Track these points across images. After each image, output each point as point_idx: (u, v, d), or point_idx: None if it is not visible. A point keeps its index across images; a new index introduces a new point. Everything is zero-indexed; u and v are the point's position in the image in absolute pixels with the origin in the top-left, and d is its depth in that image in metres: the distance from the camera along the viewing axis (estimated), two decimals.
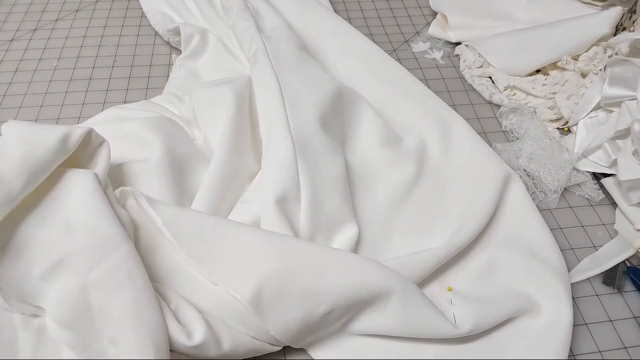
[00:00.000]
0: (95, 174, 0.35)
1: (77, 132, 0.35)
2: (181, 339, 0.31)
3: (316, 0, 0.68)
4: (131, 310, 0.30)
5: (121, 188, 0.38)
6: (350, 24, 0.64)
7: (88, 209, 0.33)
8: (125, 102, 0.56)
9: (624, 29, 0.57)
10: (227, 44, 0.60)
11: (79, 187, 0.34)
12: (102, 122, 0.46)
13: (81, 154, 0.37)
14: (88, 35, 0.65)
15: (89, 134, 0.37)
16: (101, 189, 0.34)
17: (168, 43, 0.64)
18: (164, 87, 0.58)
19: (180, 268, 0.35)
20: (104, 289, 0.30)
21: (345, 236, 0.42)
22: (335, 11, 0.69)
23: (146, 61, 0.62)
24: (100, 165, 0.37)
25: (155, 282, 0.34)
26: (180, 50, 0.62)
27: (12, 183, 0.31)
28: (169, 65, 0.61)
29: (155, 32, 0.65)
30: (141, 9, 0.68)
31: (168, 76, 0.59)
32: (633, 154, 0.46)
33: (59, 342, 0.31)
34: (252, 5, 0.64)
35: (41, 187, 0.33)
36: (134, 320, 0.30)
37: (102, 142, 0.38)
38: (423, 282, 0.41)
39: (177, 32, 0.61)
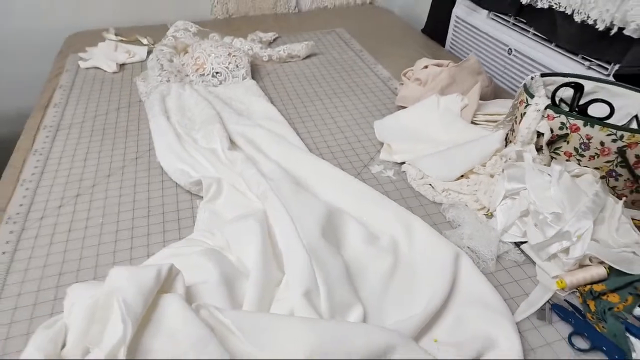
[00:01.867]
0: (180, 295, 0.51)
1: (165, 267, 0.52)
2: None
3: (293, 145, 0.91)
4: None
5: (195, 303, 0.53)
6: (322, 158, 0.88)
7: (183, 319, 0.48)
8: (164, 242, 0.73)
9: (510, 142, 0.83)
10: (237, 187, 0.80)
11: (173, 306, 0.49)
12: (163, 259, 0.63)
13: (166, 283, 0.53)
14: (122, 194, 0.83)
15: (171, 268, 0.53)
16: (187, 305, 0.50)
17: (189, 192, 0.83)
18: (192, 226, 0.75)
19: (248, 353, 0.50)
20: None
21: (354, 315, 0.58)
22: (309, 149, 0.92)
23: (174, 208, 0.80)
24: (180, 289, 0.53)
25: None
26: (199, 195, 0.81)
27: (136, 307, 0.46)
28: (192, 208, 0.80)
29: (176, 184, 0.85)
30: (161, 168, 0.88)
31: (193, 217, 0.77)
32: (535, 226, 0.68)
33: None
34: (249, 156, 0.86)
35: (147, 311, 0.48)
36: None
37: (178, 272, 0.54)
38: (416, 338, 0.57)
39: (196, 183, 0.80)
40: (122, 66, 1.30)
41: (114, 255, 0.70)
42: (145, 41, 1.41)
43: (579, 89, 0.74)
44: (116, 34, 1.44)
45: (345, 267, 0.63)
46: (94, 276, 0.67)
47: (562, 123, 0.70)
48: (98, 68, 1.29)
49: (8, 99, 1.57)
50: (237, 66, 1.20)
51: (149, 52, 1.35)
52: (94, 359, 0.44)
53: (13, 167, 0.90)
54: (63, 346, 0.49)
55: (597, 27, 0.83)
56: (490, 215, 0.74)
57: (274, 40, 1.47)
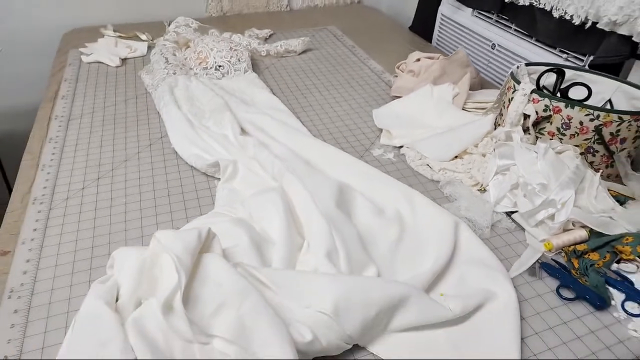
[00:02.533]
0: (219, 254, 0.57)
1: (204, 229, 0.58)
2: (299, 339, 0.51)
3: (299, 131, 0.98)
4: (270, 326, 0.50)
5: (232, 262, 0.59)
6: (325, 142, 0.95)
7: (226, 272, 0.54)
8: (187, 218, 0.78)
9: (499, 125, 0.91)
10: (251, 168, 0.86)
11: (215, 262, 0.55)
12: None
13: (204, 244, 0.59)
14: (142, 177, 0.88)
15: (209, 231, 0.59)
16: (228, 262, 0.56)
17: (204, 174, 0.88)
18: (211, 204, 0.81)
19: (282, 304, 0.56)
20: (251, 315, 0.51)
21: (369, 273, 0.65)
22: (313, 136, 0.99)
23: (192, 188, 0.85)
24: (217, 249, 0.59)
25: None
26: (215, 177, 0.87)
27: (186, 262, 0.52)
28: (210, 189, 0.85)
29: (192, 167, 0.90)
30: (175, 153, 0.94)
31: (212, 196, 0.83)
32: (524, 196, 0.76)
33: (227, 355, 0.50)
34: (261, 140, 0.92)
35: (194, 265, 0.54)
36: (273, 332, 0.50)
37: (214, 235, 0.60)
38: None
39: (213, 165, 0.86)
40: (124, 61, 1.34)
41: (141, 230, 0.75)
42: (144, 37, 1.45)
43: (561, 74, 0.83)
44: (114, 31, 1.48)
45: (358, 234, 0.70)
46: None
47: (546, 105, 0.79)
48: (100, 62, 1.32)
49: (7, 97, 1.58)
50: (238, 60, 1.26)
51: (149, 48, 1.39)
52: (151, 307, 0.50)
53: (31, 153, 0.94)
54: (117, 299, 0.54)
55: (573, 21, 0.93)
56: (483, 190, 0.83)
57: (270, 36, 1.53)
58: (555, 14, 0.97)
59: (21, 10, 1.48)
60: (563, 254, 0.71)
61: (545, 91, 0.85)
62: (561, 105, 0.77)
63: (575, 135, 0.78)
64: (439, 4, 1.46)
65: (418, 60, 1.11)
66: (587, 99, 0.81)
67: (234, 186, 0.83)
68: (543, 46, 1.09)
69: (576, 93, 0.81)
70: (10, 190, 0.84)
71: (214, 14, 1.70)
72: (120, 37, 1.46)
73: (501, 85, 1.22)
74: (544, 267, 0.68)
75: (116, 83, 1.23)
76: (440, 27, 1.47)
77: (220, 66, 1.23)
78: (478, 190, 0.83)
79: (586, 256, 0.68)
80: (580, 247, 0.69)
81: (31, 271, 0.67)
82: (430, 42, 1.53)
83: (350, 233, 0.69)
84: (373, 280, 0.60)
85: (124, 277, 0.56)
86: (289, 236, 0.66)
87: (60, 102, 1.13)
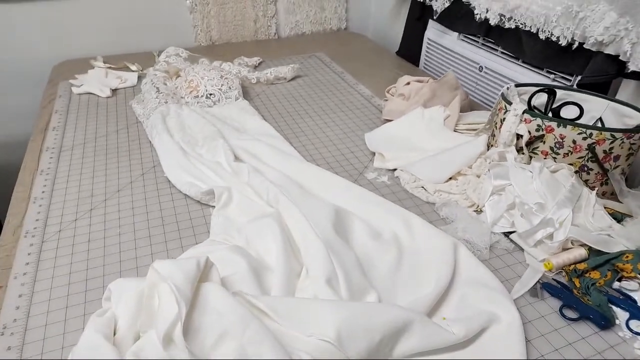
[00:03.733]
0: (218, 283, 0.56)
1: (203, 258, 0.57)
2: None
3: (292, 156, 0.98)
4: (273, 355, 0.49)
5: (231, 291, 0.58)
6: (318, 166, 0.95)
7: (226, 301, 0.53)
8: (182, 247, 0.77)
9: (491, 145, 0.92)
10: (246, 194, 0.85)
11: (215, 291, 0.54)
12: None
13: (202, 273, 0.57)
14: (135, 207, 0.87)
15: (207, 260, 0.58)
16: (227, 291, 0.55)
17: (199, 202, 0.87)
18: (206, 232, 0.79)
19: (283, 332, 0.55)
20: (253, 345, 0.49)
21: (370, 299, 0.64)
22: (306, 161, 0.99)
23: (186, 217, 0.84)
24: (215, 278, 0.57)
25: None
26: (209, 205, 0.86)
27: (186, 292, 0.51)
28: (205, 217, 0.84)
29: (185, 195, 0.89)
30: (168, 182, 0.93)
31: (206, 224, 0.82)
32: (521, 216, 0.76)
33: None
34: (254, 166, 0.92)
35: (193, 295, 0.53)
36: None
37: (212, 264, 0.59)
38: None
39: (207, 193, 0.85)
40: (114, 91, 1.34)
41: (136, 261, 0.74)
42: (134, 67, 1.46)
43: (552, 93, 0.84)
44: (104, 62, 1.49)
45: (357, 258, 0.70)
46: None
47: (539, 125, 0.80)
48: (91, 93, 1.32)
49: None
50: (229, 88, 1.26)
51: (140, 78, 1.40)
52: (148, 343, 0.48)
53: (22, 185, 0.93)
54: (114, 333, 0.52)
55: (560, 42, 0.95)
56: (479, 211, 0.83)
57: (259, 64, 1.55)
58: (542, 36, 1.00)
59: (11, 42, 1.49)
60: (564, 273, 0.70)
61: (536, 111, 0.86)
62: (553, 124, 0.78)
63: (569, 153, 0.79)
64: (425, 29, 1.50)
65: (408, 83, 1.13)
66: (579, 117, 0.82)
67: (229, 213, 0.82)
68: (530, 67, 1.12)
69: (567, 112, 0.82)
70: (1, 224, 0.82)
71: (203, 43, 1.72)
72: (110, 68, 1.46)
73: (490, 106, 1.24)
74: (546, 287, 0.68)
75: (107, 113, 1.22)
76: (427, 51, 1.51)
77: (211, 94, 1.23)
78: (474, 211, 0.83)
79: (587, 275, 0.68)
80: (580, 266, 0.68)
81: (24, 306, 0.65)
82: (418, 65, 1.56)
83: (349, 257, 0.68)
84: (375, 305, 0.59)
85: (121, 310, 0.54)
86: (287, 262, 0.65)
87: (51, 134, 1.12)
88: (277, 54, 1.65)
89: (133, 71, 1.45)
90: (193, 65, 1.34)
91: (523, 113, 0.81)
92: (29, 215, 0.84)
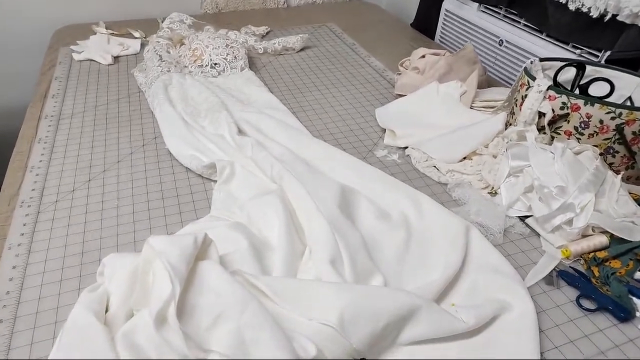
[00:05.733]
0: (216, 261, 0.53)
1: (200, 235, 0.53)
2: (303, 354, 0.47)
3: (299, 130, 0.94)
4: (272, 339, 0.46)
5: (229, 270, 0.55)
6: (326, 142, 0.90)
7: (224, 281, 0.50)
8: (182, 222, 0.74)
9: (510, 124, 0.87)
10: (249, 169, 0.82)
11: (212, 270, 0.51)
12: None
13: (200, 250, 0.54)
14: (134, 179, 0.83)
15: (205, 236, 0.55)
16: (225, 270, 0.52)
17: (200, 176, 0.84)
18: (207, 207, 0.76)
19: (283, 315, 0.52)
20: (252, 328, 0.46)
21: (375, 282, 0.61)
22: (314, 137, 0.94)
23: (187, 191, 0.81)
24: (214, 256, 0.54)
25: None
26: (211, 179, 0.83)
27: (181, 270, 0.48)
28: (206, 191, 0.81)
29: (187, 168, 0.86)
30: (169, 154, 0.89)
31: (207, 199, 0.79)
32: (539, 200, 0.72)
33: None
34: (259, 141, 0.88)
35: (189, 273, 0.50)
36: (275, 345, 0.46)
37: (211, 241, 0.56)
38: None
39: (210, 166, 0.82)
40: (116, 58, 1.30)
41: (134, 235, 0.71)
42: (137, 34, 1.41)
43: (581, 68, 0.78)
44: (106, 28, 1.43)
45: (362, 239, 0.66)
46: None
47: (564, 103, 0.75)
48: (92, 60, 1.28)
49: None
50: (235, 57, 1.21)
51: (143, 45, 1.35)
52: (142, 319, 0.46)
53: (20, 153, 0.90)
54: (107, 310, 0.50)
55: (591, 14, 0.88)
56: (494, 193, 0.78)
57: (267, 33, 1.49)
58: (572, 7, 0.92)
59: (10, 6, 1.43)
60: (582, 261, 0.66)
61: (562, 88, 0.81)
62: (580, 102, 0.73)
63: (594, 134, 0.74)
64: (442, 0, 1.42)
65: (423, 57, 1.07)
66: (608, 95, 0.76)
67: (231, 188, 0.78)
68: (554, 41, 1.05)
69: (596, 90, 0.77)
70: None
71: (209, 10, 1.66)
72: (112, 34, 1.41)
73: (509, 84, 1.18)
74: (562, 275, 0.64)
75: (108, 81, 1.18)
76: (444, 24, 1.43)
77: (216, 64, 1.18)
78: (489, 193, 0.79)
79: (607, 264, 0.64)
80: (600, 254, 0.64)
81: (18, 278, 0.63)
82: (433, 39, 1.49)
83: (355, 239, 0.64)
84: (381, 289, 0.56)
85: (114, 286, 0.52)
86: (289, 242, 0.62)
87: (50, 101, 1.08)
88: (286, 24, 1.58)
89: (136, 38, 1.40)
90: (197, 33, 1.28)
91: (547, 89, 0.75)
92: (25, 184, 0.81)
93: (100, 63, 1.27)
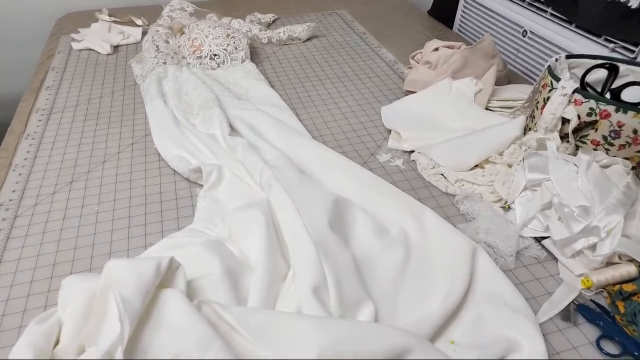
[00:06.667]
0: (181, 290, 0.47)
1: (165, 260, 0.48)
2: None
3: (296, 131, 0.87)
4: None
5: (197, 299, 0.49)
6: (326, 145, 0.83)
7: (186, 316, 0.44)
8: (162, 232, 0.68)
9: (529, 129, 0.78)
10: (238, 174, 0.76)
11: (174, 302, 0.45)
12: (162, 251, 0.58)
13: (165, 276, 0.48)
14: (119, 181, 0.78)
15: (171, 261, 0.49)
16: (189, 301, 0.46)
17: (187, 179, 0.78)
18: (191, 215, 0.71)
19: (253, 354, 0.46)
20: None
21: (365, 313, 0.54)
22: (312, 137, 0.87)
23: (172, 196, 0.75)
24: (180, 284, 0.48)
25: None
26: (198, 183, 0.77)
27: (134, 303, 0.42)
28: (191, 197, 0.75)
29: (174, 171, 0.80)
30: (158, 154, 0.84)
31: (192, 206, 0.73)
32: (559, 220, 0.64)
33: None
34: (251, 142, 0.81)
35: (146, 306, 0.44)
36: None
37: (178, 266, 0.50)
38: (431, 340, 0.53)
39: (196, 170, 0.76)
40: (116, 48, 1.24)
41: (110, 245, 0.66)
42: (139, 22, 1.35)
43: (613, 70, 0.68)
44: (109, 15, 1.38)
45: (354, 260, 0.59)
46: (90, 267, 0.63)
47: (591, 109, 0.65)
48: (91, 50, 1.23)
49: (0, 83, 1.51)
50: (235, 48, 1.14)
51: (144, 34, 1.29)
52: (89, 359, 0.40)
53: (5, 150, 0.86)
54: (57, 342, 0.45)
55: (629, 4, 0.77)
56: (507, 208, 0.70)
57: (273, 21, 1.41)
58: None
59: None
60: (606, 294, 0.58)
61: (591, 91, 0.71)
62: (611, 109, 0.63)
63: (627, 145, 0.64)
64: None
65: (436, 49, 0.98)
66: None
67: (218, 195, 0.72)
68: (584, 34, 0.94)
69: (630, 94, 0.67)
70: None
71: None
72: (115, 21, 1.36)
73: (533, 79, 1.07)
74: (581, 310, 0.56)
75: (105, 73, 1.13)
76: (464, 11, 1.32)
77: (215, 55, 1.11)
78: (501, 207, 0.70)
79: (635, 298, 0.56)
80: (627, 287, 0.56)
81: None
82: (452, 28, 1.38)
83: (345, 260, 0.58)
84: (368, 327, 0.49)
85: (68, 315, 0.46)
86: (269, 264, 0.56)
87: (44, 94, 1.04)
88: (295, 10, 1.50)
89: (138, 26, 1.34)
90: (198, 22, 1.21)
91: (573, 93, 0.66)
92: (6, 185, 0.77)
93: (99, 53, 1.22)
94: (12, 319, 0.56)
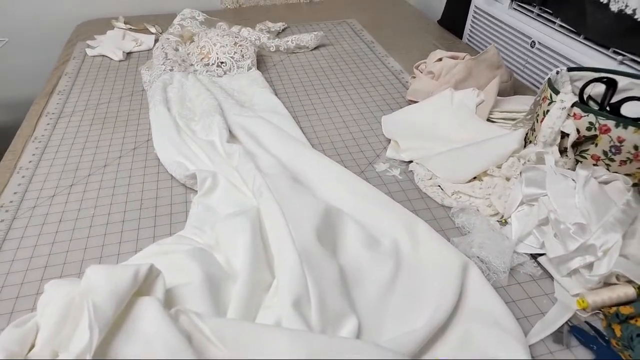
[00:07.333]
0: (158, 299, 0.47)
1: (144, 268, 0.48)
2: None
3: (295, 139, 0.86)
4: None
5: (175, 308, 0.49)
6: (324, 154, 0.83)
7: (159, 325, 0.44)
8: (154, 237, 0.69)
9: (530, 142, 0.76)
10: (233, 182, 0.76)
11: (149, 311, 0.45)
12: (148, 257, 0.59)
13: (145, 284, 0.48)
14: (117, 185, 0.79)
15: (151, 268, 0.49)
16: (165, 310, 0.46)
17: (184, 185, 0.79)
18: (184, 221, 0.71)
19: None
20: None
21: (348, 327, 0.53)
22: (312, 145, 0.87)
23: (167, 201, 0.76)
24: (159, 292, 0.48)
25: None
26: (194, 190, 0.77)
27: (106, 311, 0.42)
28: (186, 203, 0.75)
29: (172, 176, 0.81)
30: (157, 159, 0.85)
31: (186, 212, 0.73)
32: (555, 237, 0.61)
33: None
34: (248, 149, 0.81)
35: (121, 313, 0.44)
36: None
37: (158, 273, 0.50)
38: (416, 357, 0.52)
39: (192, 176, 0.76)
40: (129, 55, 1.27)
41: (101, 249, 0.67)
42: (153, 30, 1.38)
43: (611, 85, 0.66)
44: (125, 22, 1.41)
45: (340, 272, 0.58)
46: (80, 270, 0.64)
47: (591, 123, 0.63)
48: (105, 56, 1.26)
49: (18, 87, 1.56)
50: (242, 56, 1.15)
51: (157, 41, 1.32)
52: None
53: (12, 152, 0.88)
54: (33, 346, 0.45)
55: (635, 17, 0.75)
56: (504, 223, 0.68)
57: (283, 30, 1.42)
58: (614, 7, 0.79)
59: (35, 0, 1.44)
60: (602, 316, 0.56)
61: (591, 104, 0.69)
62: (610, 123, 0.61)
63: (627, 161, 0.62)
64: None
65: (440, 60, 0.97)
66: None
67: (212, 202, 0.72)
68: (593, 45, 0.91)
69: (631, 109, 0.64)
70: None
71: (230, 5, 1.61)
72: (129, 29, 1.39)
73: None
74: (575, 332, 0.54)
75: (115, 78, 1.15)
76: (473, 22, 1.31)
77: (222, 62, 1.13)
78: (498, 221, 0.68)
79: (632, 321, 0.53)
80: (624, 310, 0.53)
81: None
82: (461, 38, 1.37)
83: (330, 273, 0.57)
84: (347, 342, 0.48)
85: (45, 320, 0.47)
86: (252, 274, 0.55)
87: (55, 98, 1.07)
88: (306, 19, 1.51)
89: (152, 33, 1.37)
90: (207, 30, 1.23)
91: (572, 106, 0.64)
92: (9, 187, 0.79)
93: (111, 59, 1.24)
94: (0, 321, 0.57)
